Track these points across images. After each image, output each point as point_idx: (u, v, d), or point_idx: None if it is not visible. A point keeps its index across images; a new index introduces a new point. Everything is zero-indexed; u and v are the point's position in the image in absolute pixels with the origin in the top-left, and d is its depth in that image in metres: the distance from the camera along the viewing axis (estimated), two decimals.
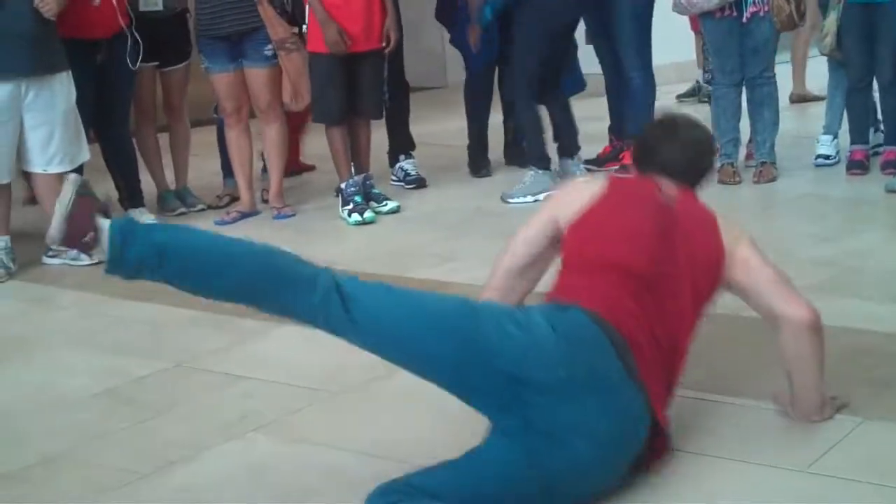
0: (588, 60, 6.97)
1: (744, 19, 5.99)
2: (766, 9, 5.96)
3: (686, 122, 3.35)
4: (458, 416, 2.94)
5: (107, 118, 5.97)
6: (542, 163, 6.21)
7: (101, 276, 2.96)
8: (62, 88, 5.36)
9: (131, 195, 6.15)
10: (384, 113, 6.29)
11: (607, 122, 6.94)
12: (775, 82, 6.14)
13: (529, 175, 6.18)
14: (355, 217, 5.83)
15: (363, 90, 5.99)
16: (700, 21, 6.39)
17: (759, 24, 6.01)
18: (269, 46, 5.90)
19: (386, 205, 6.02)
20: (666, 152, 3.23)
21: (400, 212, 6.02)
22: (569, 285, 3.00)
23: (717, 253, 3.07)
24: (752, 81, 6.12)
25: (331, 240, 5.67)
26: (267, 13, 5.83)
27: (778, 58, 6.51)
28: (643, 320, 2.87)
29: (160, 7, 6.08)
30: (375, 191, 6.11)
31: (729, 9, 6.00)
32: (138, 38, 5.86)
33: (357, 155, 6.10)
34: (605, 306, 2.85)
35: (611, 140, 6.84)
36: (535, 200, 5.85)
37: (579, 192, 3.20)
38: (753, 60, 6.08)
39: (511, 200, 6.06)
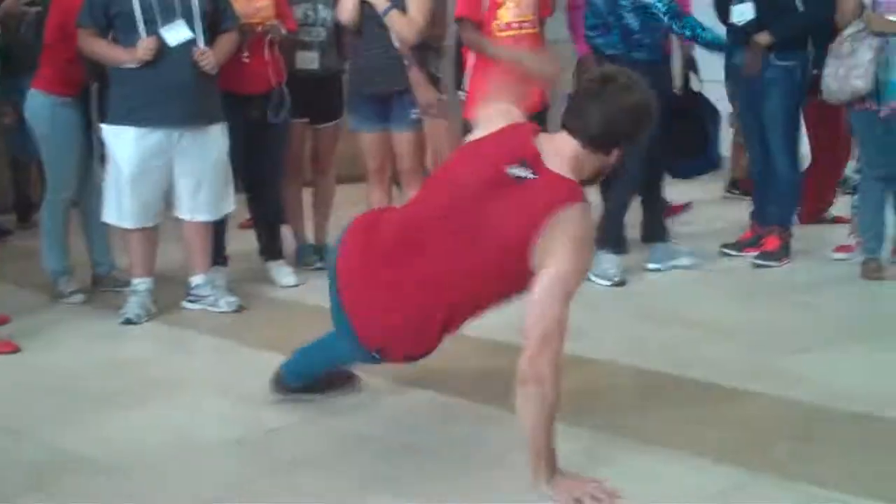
0: None
1: (882, 113, 5.88)
2: None
3: (621, 84, 3.32)
4: None
5: (256, 171, 6.08)
6: (619, 247, 6.17)
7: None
8: (215, 140, 5.49)
9: (271, 248, 6.24)
10: None
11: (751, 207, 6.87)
12: None
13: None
14: None
15: None
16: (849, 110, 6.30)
17: None
18: (415, 110, 5.96)
19: None
20: (585, 114, 3.31)
21: None
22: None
23: (519, 240, 3.23)
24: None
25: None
26: (416, 77, 5.90)
27: None
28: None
29: (317, 67, 6.21)
30: None
31: (869, 101, 5.90)
32: (286, 94, 5.97)
33: None
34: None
35: (752, 226, 6.76)
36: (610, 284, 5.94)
37: (494, 120, 3.52)
38: None
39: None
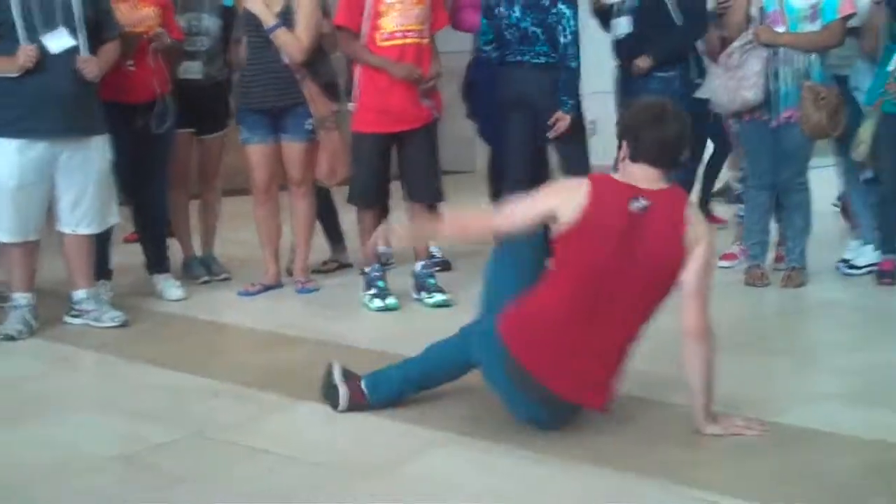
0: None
1: (774, 123, 5.97)
2: (799, 115, 5.90)
3: (672, 113, 3.81)
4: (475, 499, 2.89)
5: (142, 183, 5.98)
6: None
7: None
8: (98, 151, 5.38)
9: (158, 261, 6.14)
10: (442, 196, 6.03)
11: None
12: (808, 188, 6.10)
13: None
14: (377, 303, 5.75)
15: (414, 172, 5.93)
16: (734, 122, 6.39)
17: (791, 130, 5.93)
18: (310, 121, 5.92)
19: (433, 297, 5.83)
20: (649, 141, 3.77)
21: (450, 306, 5.77)
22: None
23: (676, 255, 3.75)
24: (784, 186, 6.09)
25: (353, 317, 5.65)
26: (310, 90, 5.86)
27: (821, 161, 6.52)
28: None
29: (200, 76, 6.14)
30: (431, 280, 5.92)
31: (759, 111, 6.00)
32: (170, 104, 5.88)
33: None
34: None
35: None
36: None
37: (574, 192, 3.78)
38: (785, 166, 6.04)
39: None
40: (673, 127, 3.78)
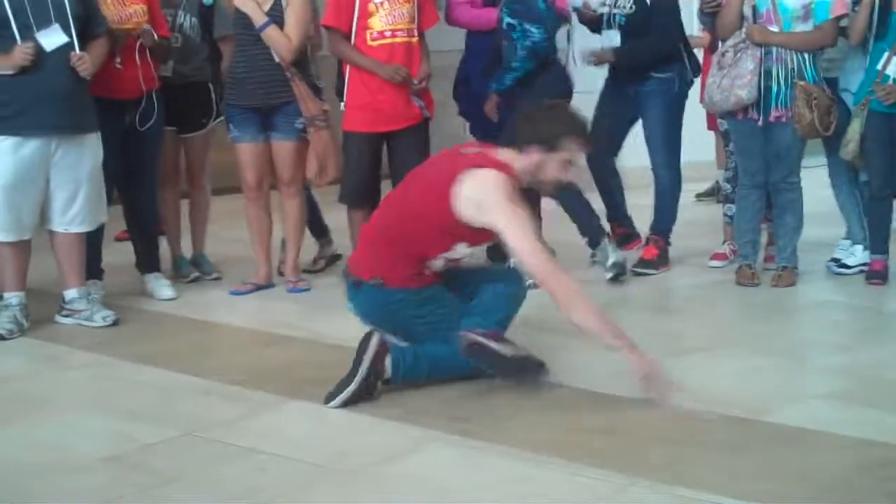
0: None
1: (761, 123, 5.95)
2: (790, 114, 5.89)
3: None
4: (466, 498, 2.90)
5: (132, 181, 5.97)
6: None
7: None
8: (90, 148, 5.39)
9: (149, 260, 6.13)
10: None
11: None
12: (800, 188, 6.09)
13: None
14: None
15: (405, 171, 5.88)
16: (726, 120, 6.40)
17: (781, 130, 5.93)
18: (300, 120, 5.92)
19: None
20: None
21: None
22: None
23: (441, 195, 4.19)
24: (775, 186, 6.09)
25: (344, 317, 5.61)
26: (299, 89, 5.86)
27: (812, 161, 6.53)
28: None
29: (169, 73, 6.11)
30: None
31: (751, 111, 6.01)
32: (156, 102, 5.88)
33: None
34: None
35: (613, 228, 6.73)
36: None
37: None
38: (776, 165, 6.04)
39: None
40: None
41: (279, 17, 5.82)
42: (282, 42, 5.80)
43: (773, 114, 5.93)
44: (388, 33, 5.79)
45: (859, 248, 6.32)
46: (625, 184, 6.75)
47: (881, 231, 6.14)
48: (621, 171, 6.75)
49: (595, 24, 6.55)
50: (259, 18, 5.79)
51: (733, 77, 5.95)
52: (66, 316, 5.50)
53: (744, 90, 5.91)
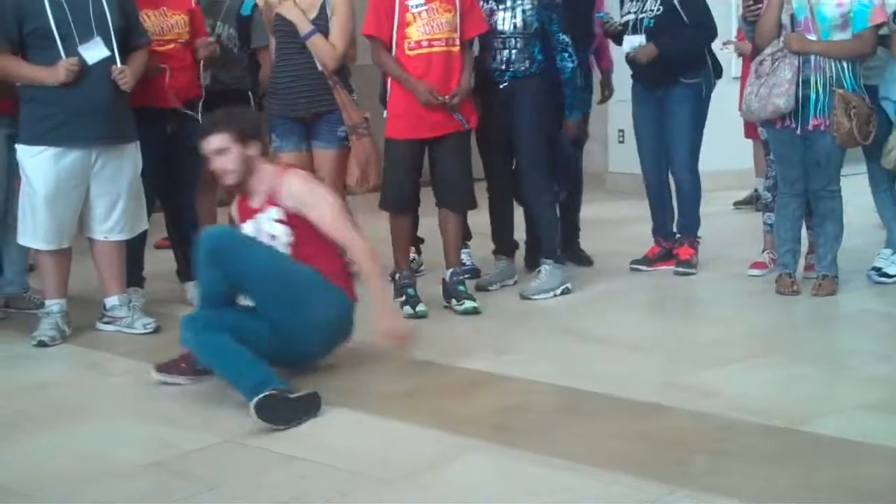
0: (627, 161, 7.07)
1: (799, 132, 5.91)
2: (829, 123, 5.84)
3: None
4: None
5: (174, 189, 6.03)
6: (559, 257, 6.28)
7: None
8: (130, 159, 5.44)
9: (189, 268, 6.15)
10: (474, 203, 6.10)
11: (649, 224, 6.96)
12: (840, 196, 6.06)
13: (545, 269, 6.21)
14: (407, 310, 5.75)
15: (446, 178, 5.94)
16: (765, 129, 6.38)
17: (820, 138, 5.90)
18: (343, 128, 5.93)
19: (463, 304, 5.82)
20: None
21: (479, 313, 5.79)
22: None
23: None
24: (815, 194, 6.06)
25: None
26: (341, 97, 5.87)
27: (853, 169, 6.50)
28: None
29: (208, 81, 6.13)
30: (461, 288, 5.91)
31: (789, 119, 5.98)
32: (198, 110, 5.93)
33: (444, 247, 5.99)
34: None
35: (657, 241, 6.83)
36: (555, 295, 6.09)
37: None
38: (816, 174, 6.00)
39: (534, 297, 6.08)
40: None
41: (324, 26, 5.83)
42: (327, 50, 5.80)
43: (812, 122, 5.89)
44: (424, 43, 5.74)
45: (889, 251, 6.30)
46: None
47: None
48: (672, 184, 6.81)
49: (619, 35, 6.65)
50: (305, 27, 5.80)
51: (771, 85, 5.92)
52: (107, 323, 5.55)
53: (781, 99, 5.89)
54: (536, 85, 6.15)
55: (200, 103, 5.94)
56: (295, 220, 4.62)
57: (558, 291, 6.12)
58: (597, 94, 7.33)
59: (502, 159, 6.32)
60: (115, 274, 5.55)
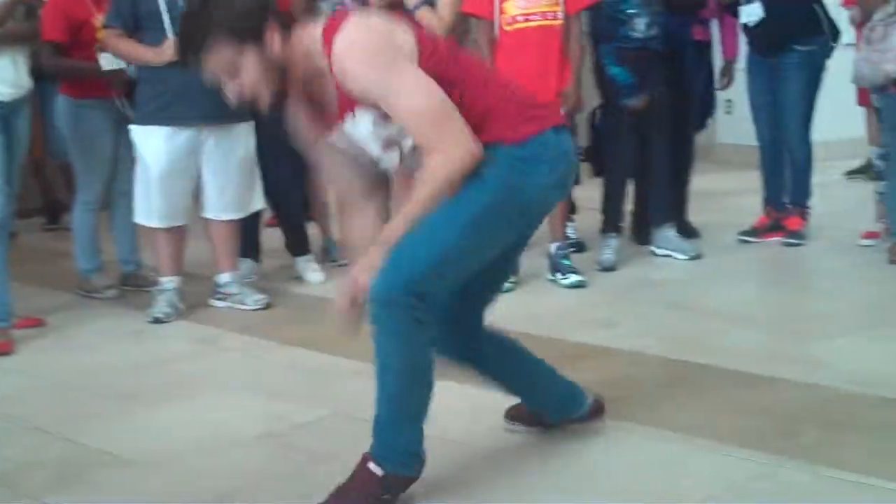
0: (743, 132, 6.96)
1: None
2: None
3: None
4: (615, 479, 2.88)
5: (269, 166, 6.00)
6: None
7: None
8: (242, 137, 5.52)
9: (298, 244, 6.26)
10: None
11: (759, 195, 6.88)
12: None
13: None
14: (572, 278, 5.85)
15: None
16: (877, 95, 6.26)
17: None
18: None
19: (568, 278, 5.85)
20: None
21: (584, 286, 5.81)
22: None
23: None
24: None
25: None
26: None
27: None
28: None
29: None
30: (566, 262, 5.94)
31: None
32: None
33: (549, 220, 5.76)
34: None
35: (767, 211, 6.74)
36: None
37: None
38: None
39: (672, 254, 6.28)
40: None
41: None
42: (435, 22, 5.78)
43: None
44: (520, 18, 5.64)
45: None
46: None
47: None
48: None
49: (734, 5, 6.58)
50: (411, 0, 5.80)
51: (882, 51, 5.82)
52: (220, 299, 5.66)
53: (892, 64, 5.78)
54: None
55: None
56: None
57: (689, 255, 6.26)
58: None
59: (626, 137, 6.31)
60: (227, 252, 5.65)
